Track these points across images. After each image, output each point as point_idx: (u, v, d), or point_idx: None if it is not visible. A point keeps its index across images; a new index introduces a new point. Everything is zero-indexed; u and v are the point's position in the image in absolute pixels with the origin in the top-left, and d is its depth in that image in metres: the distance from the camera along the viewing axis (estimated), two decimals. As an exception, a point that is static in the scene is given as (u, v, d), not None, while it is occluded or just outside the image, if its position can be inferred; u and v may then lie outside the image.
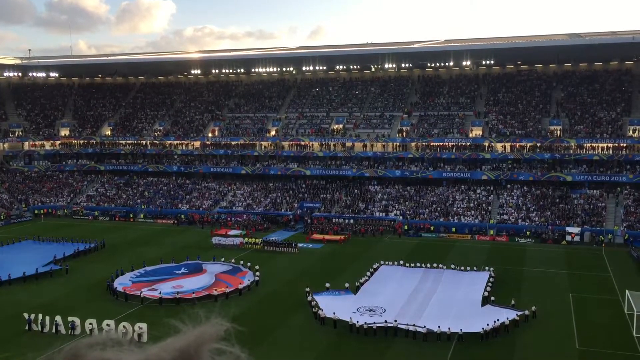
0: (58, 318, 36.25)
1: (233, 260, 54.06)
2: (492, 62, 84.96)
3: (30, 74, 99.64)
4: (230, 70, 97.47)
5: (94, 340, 2.22)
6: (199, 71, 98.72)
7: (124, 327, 33.53)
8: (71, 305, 40.75)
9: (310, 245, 61.89)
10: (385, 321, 36.87)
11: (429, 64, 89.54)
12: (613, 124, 74.79)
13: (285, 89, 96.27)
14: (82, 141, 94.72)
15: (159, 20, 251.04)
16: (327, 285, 44.79)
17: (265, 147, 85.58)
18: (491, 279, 46.63)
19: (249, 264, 51.60)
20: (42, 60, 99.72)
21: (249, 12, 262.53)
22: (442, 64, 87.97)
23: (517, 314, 38.05)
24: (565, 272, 51.23)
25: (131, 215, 79.02)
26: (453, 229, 67.91)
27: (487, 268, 49.92)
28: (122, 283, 46.36)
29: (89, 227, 72.36)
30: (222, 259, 54.13)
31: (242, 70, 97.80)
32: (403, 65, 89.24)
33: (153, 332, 30.28)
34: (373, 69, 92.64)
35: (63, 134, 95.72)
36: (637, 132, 72.64)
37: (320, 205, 76.32)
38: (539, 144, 74.13)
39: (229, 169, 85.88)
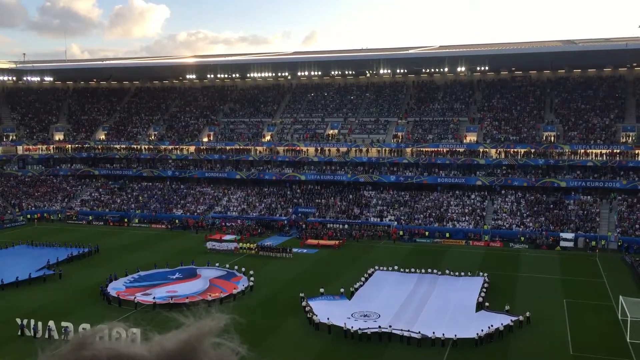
0: (51, 323, 36.05)
1: (227, 266, 53.95)
2: (487, 68, 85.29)
3: (24, 78, 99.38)
4: (225, 75, 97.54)
5: (99, 329, 2.31)
6: (194, 76, 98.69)
7: (117, 332, 33.34)
8: (64, 311, 40.57)
9: (305, 251, 61.85)
10: (380, 326, 36.83)
11: (423, 70, 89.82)
12: (607, 130, 75.16)
13: (280, 94, 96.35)
14: (76, 145, 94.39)
15: (152, 24, 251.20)
16: (322, 290, 44.77)
17: (260, 152, 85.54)
18: (485, 285, 46.70)
19: (243, 269, 51.54)
20: (37, 65, 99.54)
21: (242, 17, 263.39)
22: (437, 70, 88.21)
23: (511, 320, 38.11)
24: (559, 277, 51.36)
25: (125, 220, 78.75)
26: (447, 235, 68.01)
27: (481, 273, 50.03)
28: (115, 288, 46.23)
29: (82, 232, 72.04)
30: (217, 264, 54.01)
31: (237, 75, 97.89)
32: (398, 70, 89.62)
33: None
34: (368, 75, 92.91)
35: (57, 139, 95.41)
36: (630, 138, 73.07)
37: (315, 211, 76.31)
38: (533, 150, 74.43)
39: (223, 174, 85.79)
